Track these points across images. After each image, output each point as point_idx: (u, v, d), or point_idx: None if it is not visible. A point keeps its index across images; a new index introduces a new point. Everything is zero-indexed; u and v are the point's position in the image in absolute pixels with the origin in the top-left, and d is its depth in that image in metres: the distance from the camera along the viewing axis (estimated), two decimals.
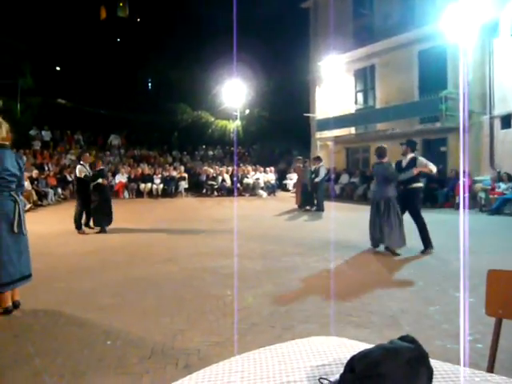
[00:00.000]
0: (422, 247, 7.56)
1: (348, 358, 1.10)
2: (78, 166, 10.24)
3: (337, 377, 1.10)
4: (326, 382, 1.11)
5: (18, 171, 4.54)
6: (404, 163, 7.68)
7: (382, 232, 7.48)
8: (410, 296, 5.04)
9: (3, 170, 4.30)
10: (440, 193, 15.70)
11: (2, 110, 20.94)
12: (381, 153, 7.63)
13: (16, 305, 4.53)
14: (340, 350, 1.30)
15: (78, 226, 9.99)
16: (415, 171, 7.48)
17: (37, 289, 5.11)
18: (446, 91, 16.05)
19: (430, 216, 13.19)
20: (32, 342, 3.72)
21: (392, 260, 7.07)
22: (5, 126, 4.47)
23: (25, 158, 6.72)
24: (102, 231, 10.01)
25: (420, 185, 7.81)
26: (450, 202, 15.16)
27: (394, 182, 7.52)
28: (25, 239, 4.62)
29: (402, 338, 1.15)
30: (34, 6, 33.35)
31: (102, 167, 10.56)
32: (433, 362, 1.15)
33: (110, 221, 10.33)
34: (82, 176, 9.97)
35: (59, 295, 5.11)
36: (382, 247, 7.70)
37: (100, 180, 10.05)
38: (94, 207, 10.07)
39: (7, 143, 4.47)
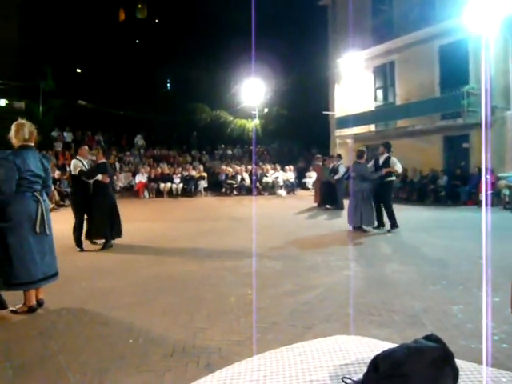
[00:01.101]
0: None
1: (371, 357, 1.09)
2: (73, 161, 8.12)
3: (360, 376, 1.09)
4: (349, 381, 1.10)
5: (43, 172, 4.60)
6: (381, 161, 9.82)
7: (361, 215, 9.52)
8: (433, 295, 4.97)
9: (25, 171, 4.36)
10: (462, 190, 15.47)
11: (25, 112, 21.34)
12: (360, 154, 9.90)
13: (40, 303, 4.61)
14: (363, 349, 1.28)
15: (78, 243, 7.84)
16: (384, 171, 9.59)
17: (60, 287, 5.17)
18: (468, 86, 15.80)
19: (452, 214, 13.14)
20: (56, 340, 3.78)
21: (414, 259, 6.98)
22: (27, 128, 4.55)
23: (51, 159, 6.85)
24: (107, 245, 7.98)
25: (393, 178, 9.99)
26: (473, 200, 14.91)
27: (369, 179, 9.71)
28: (49, 239, 4.68)
29: (426, 338, 1.13)
30: (55, 10, 33.84)
31: (103, 160, 8.42)
32: (458, 362, 1.13)
33: (117, 232, 8.18)
34: (77, 173, 7.86)
35: (82, 294, 5.17)
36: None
37: (99, 177, 7.92)
38: (97, 214, 7.96)
39: (30, 144, 4.54)
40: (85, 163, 8.04)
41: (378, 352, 1.10)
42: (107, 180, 8.04)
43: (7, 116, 18.99)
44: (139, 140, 26.92)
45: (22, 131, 4.50)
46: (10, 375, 3.17)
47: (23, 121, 4.65)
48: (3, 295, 4.39)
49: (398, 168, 9.82)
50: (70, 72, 34.41)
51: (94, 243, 8.19)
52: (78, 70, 38.19)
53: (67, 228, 8.13)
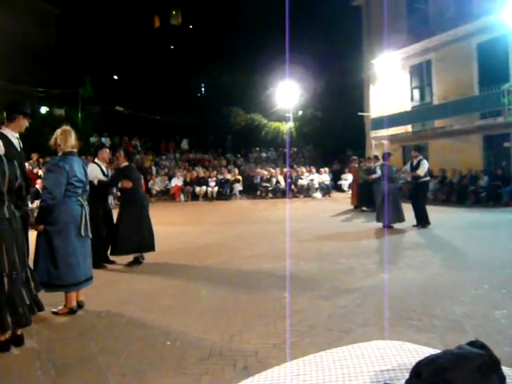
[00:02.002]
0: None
1: (413, 363, 1.07)
2: (91, 166, 6.87)
3: (402, 382, 1.07)
4: None
5: (84, 177, 4.78)
6: (414, 163, 10.35)
7: (391, 214, 9.97)
8: (475, 299, 4.83)
9: (72, 176, 4.52)
10: (504, 191, 14.97)
11: (65, 119, 21.96)
12: (385, 156, 10.76)
13: (80, 305, 4.73)
14: (404, 354, 1.26)
15: (96, 263, 6.07)
16: (408, 177, 10.77)
17: (100, 290, 5.30)
18: (509, 84, 15.35)
19: (493, 215, 12.75)
20: (95, 341, 3.86)
21: (455, 262, 6.81)
22: (74, 134, 4.70)
23: (94, 165, 7.00)
24: (136, 262, 6.98)
25: (427, 179, 10.46)
26: None
27: (395, 179, 10.58)
28: (89, 243, 4.84)
29: (471, 344, 1.09)
30: (92, 19, 34.79)
31: (125, 163, 7.20)
32: (505, 370, 1.09)
33: (149, 245, 7.04)
34: (95, 182, 6.65)
35: (121, 296, 5.27)
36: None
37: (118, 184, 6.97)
38: (123, 227, 6.91)
39: (75, 150, 4.68)
40: (103, 168, 7.13)
41: (420, 358, 1.07)
42: (129, 185, 6.89)
43: (48, 123, 19.63)
44: (185, 144, 27.60)
45: (70, 138, 4.65)
46: (53, 375, 3.26)
47: (69, 128, 4.79)
48: (41, 296, 4.50)
49: (420, 171, 10.14)
50: (107, 79, 35.31)
51: (113, 262, 7.09)
52: (115, 77, 39.12)
53: None
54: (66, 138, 4.64)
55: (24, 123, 4.74)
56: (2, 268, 3.57)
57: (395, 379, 1.13)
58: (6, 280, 3.59)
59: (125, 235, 6.79)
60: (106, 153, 7.49)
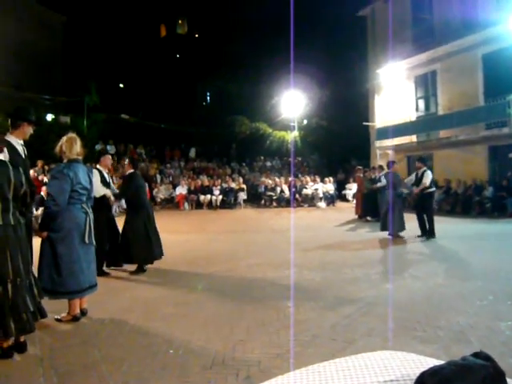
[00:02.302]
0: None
1: (417, 374, 1.06)
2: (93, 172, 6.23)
3: None
4: None
5: (89, 184, 4.79)
6: (419, 175, 10.42)
7: (394, 222, 10.08)
8: (479, 310, 4.80)
9: (77, 184, 4.53)
10: (509, 202, 14.90)
11: (70, 126, 22.08)
12: (391, 165, 10.87)
13: (84, 312, 4.73)
14: (408, 365, 1.25)
15: (99, 271, 6.13)
16: (415, 191, 10.43)
17: (103, 297, 5.29)
18: None
19: (498, 226, 12.69)
20: (98, 349, 3.86)
21: (459, 272, 6.77)
22: (79, 142, 4.73)
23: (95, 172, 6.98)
24: (140, 270, 6.96)
25: (432, 190, 10.56)
26: None
27: (399, 187, 10.68)
28: (93, 250, 4.85)
29: (475, 355, 1.09)
30: (98, 27, 35.09)
31: (131, 171, 7.31)
32: (510, 382, 1.08)
33: (158, 252, 7.19)
34: (96, 195, 6.02)
35: (124, 304, 5.27)
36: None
37: (107, 192, 6.74)
38: (128, 235, 6.95)
39: (80, 157, 4.70)
40: (105, 174, 7.01)
41: (424, 369, 1.06)
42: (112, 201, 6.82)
43: (54, 130, 19.74)
44: (193, 153, 27.74)
45: (75, 145, 4.68)
46: (56, 382, 3.26)
47: (74, 135, 4.82)
48: (44, 304, 4.50)
49: (424, 183, 10.17)
50: (113, 87, 35.51)
51: (119, 265, 7.05)
52: (121, 85, 39.35)
53: None
54: (72, 145, 4.67)
55: (28, 130, 4.77)
56: (6, 274, 3.58)
57: None
58: (11, 286, 3.61)
59: (135, 243, 6.87)
60: (108, 159, 7.36)
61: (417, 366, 1.24)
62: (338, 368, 1.25)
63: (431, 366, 1.07)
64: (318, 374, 1.22)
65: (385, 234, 10.36)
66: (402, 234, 10.34)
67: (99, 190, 6.42)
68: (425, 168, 10.46)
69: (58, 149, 4.71)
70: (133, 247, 6.89)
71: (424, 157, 11.68)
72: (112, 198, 6.87)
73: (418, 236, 10.24)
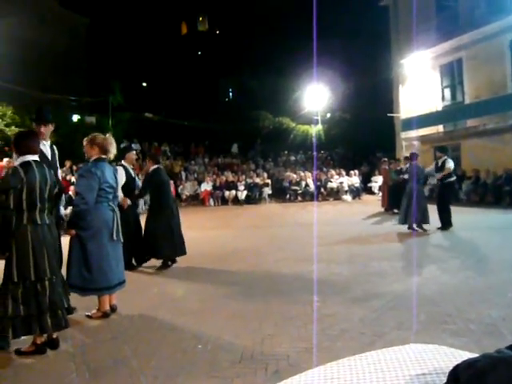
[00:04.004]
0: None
1: (450, 367, 1.04)
2: (119, 169, 6.32)
3: None
4: None
5: (115, 183, 4.86)
6: (439, 164, 10.37)
7: (417, 214, 9.84)
8: (511, 302, 4.69)
9: (104, 182, 4.60)
10: None
11: (96, 126, 22.42)
12: (414, 156, 10.65)
13: (113, 308, 4.80)
14: (441, 358, 1.22)
15: (128, 265, 6.37)
16: (438, 177, 10.26)
17: (133, 294, 5.36)
18: None
19: None
20: (128, 344, 3.91)
21: (489, 264, 6.64)
22: (107, 141, 4.77)
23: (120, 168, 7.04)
24: (165, 266, 7.06)
25: (452, 179, 10.40)
26: None
27: (422, 178, 10.63)
28: (121, 247, 4.92)
29: (510, 348, 1.05)
30: (120, 28, 35.47)
31: (154, 166, 7.29)
32: None
33: (180, 249, 7.17)
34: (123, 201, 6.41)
35: (153, 300, 5.32)
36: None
37: (120, 195, 6.27)
38: (152, 231, 7.01)
39: (105, 157, 4.76)
40: (130, 170, 7.08)
41: (457, 362, 1.04)
42: (126, 203, 6.64)
43: (80, 130, 20.09)
44: (235, 148, 27.94)
45: (105, 145, 4.74)
46: (87, 378, 3.32)
47: (102, 135, 4.89)
48: (75, 300, 4.59)
49: (447, 169, 10.13)
50: (136, 86, 35.92)
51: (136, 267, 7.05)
52: (144, 84, 39.76)
53: None
54: (113, 143, 4.81)
55: (46, 130, 4.85)
56: (44, 272, 3.70)
57: (432, 383, 1.10)
58: (48, 284, 3.72)
59: (156, 238, 6.91)
60: (133, 155, 7.35)
61: (449, 359, 1.21)
62: (369, 362, 1.23)
63: (465, 358, 1.04)
64: (349, 367, 1.21)
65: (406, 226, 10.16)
66: (425, 226, 10.11)
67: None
68: (445, 157, 10.41)
69: (95, 144, 4.72)
70: (156, 242, 6.95)
71: (445, 146, 11.65)
72: (126, 202, 6.65)
73: (438, 228, 10.08)
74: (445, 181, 10.15)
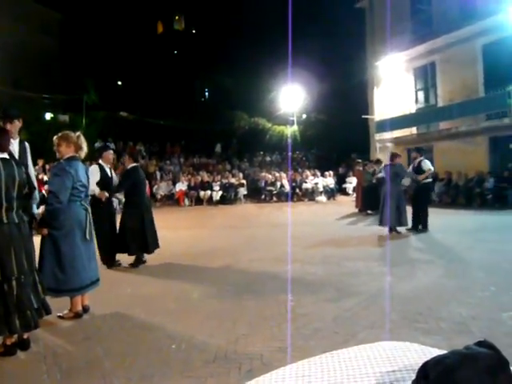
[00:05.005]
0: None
1: (419, 363, 1.05)
2: (93, 168, 6.87)
3: (408, 383, 1.05)
4: None
5: (87, 182, 4.81)
6: (415, 164, 10.41)
7: (394, 216, 9.84)
8: (481, 301, 4.79)
9: (77, 181, 4.54)
10: (511, 193, 14.86)
11: (69, 125, 22.07)
12: (393, 157, 10.39)
13: (86, 309, 4.73)
14: (411, 355, 1.24)
15: (109, 261, 6.98)
16: (420, 178, 10.14)
17: (105, 293, 5.29)
18: None
19: (500, 218, 12.66)
20: (101, 345, 3.86)
21: (461, 264, 6.77)
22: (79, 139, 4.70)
23: (96, 167, 6.95)
24: (139, 262, 7.14)
25: (429, 181, 10.52)
26: None
27: (404, 177, 10.45)
28: (93, 246, 4.88)
29: (478, 344, 1.07)
30: (94, 25, 34.98)
31: (133, 164, 7.40)
32: None
33: (153, 243, 7.27)
34: (95, 192, 6.53)
35: (126, 300, 5.26)
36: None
37: (96, 190, 6.58)
38: (126, 227, 7.05)
39: (77, 155, 4.69)
40: (107, 169, 6.97)
41: (427, 358, 1.05)
42: (103, 196, 6.69)
43: (52, 129, 19.73)
44: (218, 148, 27.85)
45: (80, 143, 4.67)
46: (59, 379, 3.26)
47: (73, 133, 4.80)
48: (47, 300, 4.51)
49: (429, 170, 10.21)
50: (111, 85, 35.47)
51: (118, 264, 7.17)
52: (119, 83, 39.29)
53: None
54: (83, 142, 4.74)
55: (12, 127, 4.66)
56: (11, 272, 3.60)
57: (402, 380, 1.11)
58: (15, 283, 3.64)
59: (130, 234, 6.99)
60: (110, 154, 7.29)
61: (419, 356, 1.23)
62: (339, 359, 1.24)
63: (434, 355, 1.05)
64: (320, 365, 1.21)
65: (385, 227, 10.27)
66: (399, 228, 10.06)
67: (93, 188, 6.32)
68: (421, 158, 10.41)
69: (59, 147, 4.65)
70: (128, 238, 6.99)
71: (421, 148, 11.66)
72: (103, 194, 6.70)
73: (407, 229, 10.12)
74: (420, 183, 10.15)
